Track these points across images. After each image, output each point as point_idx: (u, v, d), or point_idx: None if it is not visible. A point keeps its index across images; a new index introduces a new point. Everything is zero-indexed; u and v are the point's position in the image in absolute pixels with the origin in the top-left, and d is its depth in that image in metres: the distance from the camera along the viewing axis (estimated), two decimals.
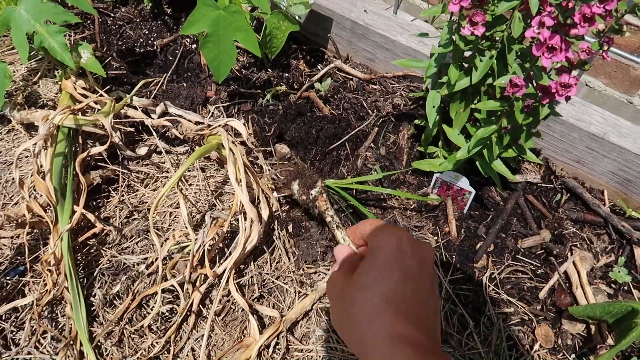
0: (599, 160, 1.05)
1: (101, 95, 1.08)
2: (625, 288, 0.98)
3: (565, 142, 1.07)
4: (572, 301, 0.95)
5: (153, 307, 0.89)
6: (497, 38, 0.83)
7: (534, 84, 0.79)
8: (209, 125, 1.04)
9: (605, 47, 0.71)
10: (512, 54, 0.79)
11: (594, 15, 0.67)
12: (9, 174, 1.05)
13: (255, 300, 0.92)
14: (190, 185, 1.07)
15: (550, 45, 0.68)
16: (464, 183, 1.00)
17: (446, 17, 0.87)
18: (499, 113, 0.85)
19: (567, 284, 0.97)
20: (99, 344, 0.86)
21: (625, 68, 1.48)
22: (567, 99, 0.76)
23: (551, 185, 1.10)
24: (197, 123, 1.09)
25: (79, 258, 0.94)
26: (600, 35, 0.70)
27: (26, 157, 1.08)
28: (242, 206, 0.90)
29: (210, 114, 1.18)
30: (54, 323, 0.88)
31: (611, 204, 1.09)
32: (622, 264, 0.99)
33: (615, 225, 1.03)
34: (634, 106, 1.55)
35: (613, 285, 0.98)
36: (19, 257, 0.95)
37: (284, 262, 0.96)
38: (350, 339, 0.45)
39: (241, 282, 0.93)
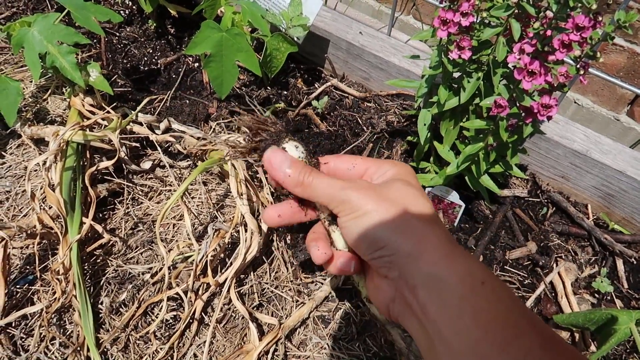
0: (583, 175, 1.10)
1: (108, 112, 1.13)
2: (608, 298, 1.03)
3: (550, 159, 1.12)
4: (558, 310, 1.00)
5: (158, 314, 0.93)
6: (484, 61, 0.89)
7: (518, 105, 0.84)
8: (211, 141, 1.09)
9: (582, 72, 0.77)
10: (497, 76, 0.85)
11: (571, 42, 0.73)
12: (19, 187, 1.10)
13: (255, 308, 0.96)
14: (192, 198, 1.11)
15: (530, 70, 0.74)
16: (454, 197, 1.05)
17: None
18: (486, 131, 0.90)
19: (553, 294, 1.02)
20: (105, 349, 0.90)
21: (612, 87, 1.54)
22: (549, 118, 0.81)
23: (538, 199, 1.16)
24: (199, 138, 1.14)
25: (86, 267, 0.99)
26: (577, 60, 0.76)
27: (35, 170, 1.13)
28: (243, 218, 0.94)
29: (212, 129, 1.23)
30: (62, 330, 0.92)
31: (595, 217, 1.14)
32: (604, 275, 1.04)
33: (599, 238, 1.08)
34: (621, 123, 1.61)
35: (596, 295, 1.03)
36: (28, 267, 0.99)
37: (283, 272, 1.01)
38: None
39: (242, 291, 0.98)
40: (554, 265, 1.05)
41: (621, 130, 1.61)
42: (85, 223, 0.97)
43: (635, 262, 1.06)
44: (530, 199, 1.16)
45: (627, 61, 1.47)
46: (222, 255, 1.00)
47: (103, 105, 1.17)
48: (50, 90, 1.25)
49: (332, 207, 0.50)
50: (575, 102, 1.67)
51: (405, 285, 0.44)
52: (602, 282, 1.02)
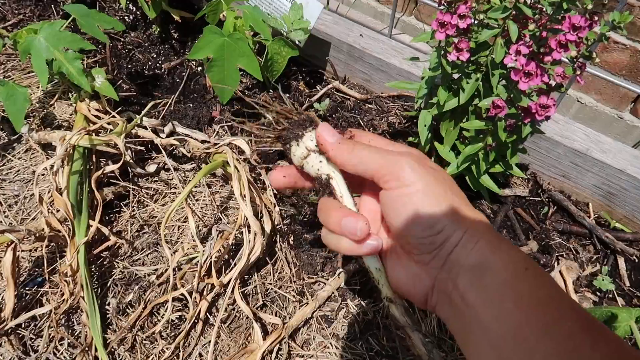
0: (583, 174, 1.11)
1: (113, 116, 1.15)
2: (610, 295, 1.03)
3: (551, 158, 1.13)
4: None
5: (163, 314, 0.94)
6: (482, 62, 0.90)
7: (516, 105, 0.85)
8: (215, 144, 1.11)
9: (579, 72, 0.77)
10: (495, 77, 0.85)
11: (568, 42, 0.74)
12: (27, 191, 1.12)
13: (259, 308, 0.98)
14: (197, 200, 1.13)
15: (526, 71, 0.75)
16: None
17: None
18: (485, 131, 0.91)
19: None
20: (112, 349, 0.91)
21: (614, 85, 1.54)
22: (547, 118, 0.82)
23: (539, 199, 1.16)
24: (203, 142, 1.15)
25: (93, 269, 1.00)
26: (573, 60, 0.77)
27: (43, 175, 1.15)
28: (246, 220, 0.96)
29: (215, 133, 1.24)
30: (70, 330, 0.94)
31: (596, 215, 1.14)
32: (606, 273, 1.05)
33: (600, 236, 1.08)
34: (625, 121, 1.61)
35: (598, 293, 1.03)
36: (37, 269, 1.01)
37: (286, 273, 1.02)
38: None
39: (246, 292, 0.99)
40: (556, 264, 1.06)
41: (625, 129, 1.61)
42: (92, 226, 0.98)
43: (636, 260, 1.06)
44: (531, 198, 1.16)
45: (629, 59, 1.47)
46: (226, 256, 1.01)
47: (108, 109, 1.19)
48: (57, 96, 1.27)
49: (380, 175, 0.45)
50: (578, 101, 1.67)
51: (448, 274, 0.43)
52: (603, 280, 1.03)
